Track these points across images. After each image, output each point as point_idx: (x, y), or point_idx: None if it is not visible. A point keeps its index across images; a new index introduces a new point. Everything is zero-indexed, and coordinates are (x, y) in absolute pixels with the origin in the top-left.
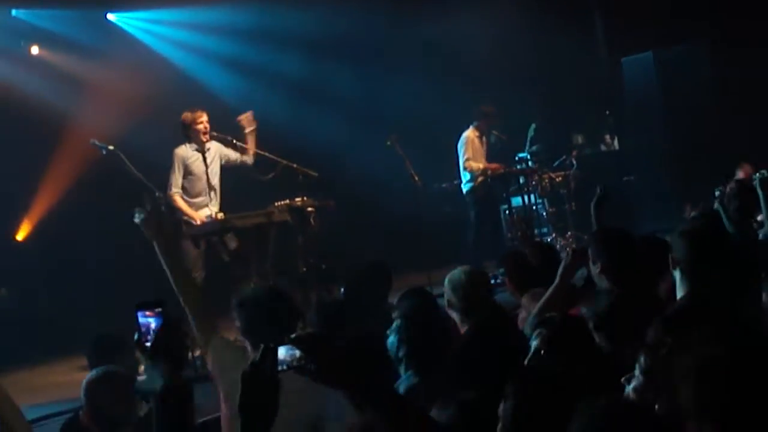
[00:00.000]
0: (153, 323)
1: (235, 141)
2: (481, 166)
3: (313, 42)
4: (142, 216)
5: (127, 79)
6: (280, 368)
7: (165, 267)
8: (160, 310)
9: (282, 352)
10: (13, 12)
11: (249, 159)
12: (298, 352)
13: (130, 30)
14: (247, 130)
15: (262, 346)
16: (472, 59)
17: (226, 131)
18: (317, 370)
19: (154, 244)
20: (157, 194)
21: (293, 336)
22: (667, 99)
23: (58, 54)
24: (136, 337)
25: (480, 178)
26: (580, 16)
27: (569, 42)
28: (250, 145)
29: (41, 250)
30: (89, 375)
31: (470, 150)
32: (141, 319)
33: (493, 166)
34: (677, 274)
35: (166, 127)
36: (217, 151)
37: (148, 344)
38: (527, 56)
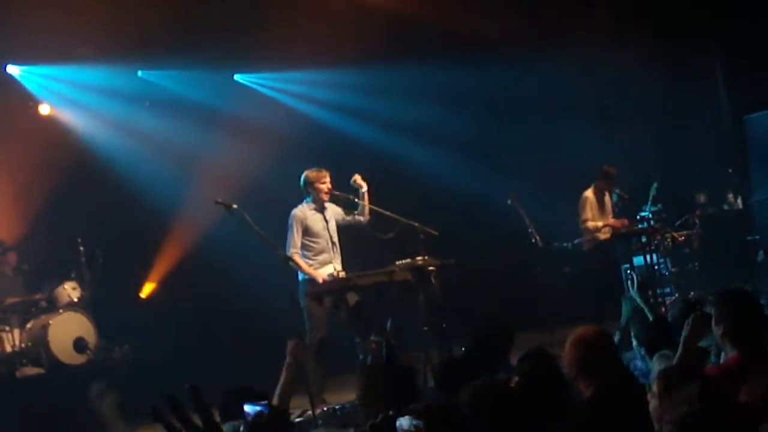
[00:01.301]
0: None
1: (356, 199)
2: (600, 224)
3: (445, 96)
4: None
5: (252, 138)
6: None
7: None
8: (265, 402)
9: (404, 423)
10: (140, 73)
11: (363, 218)
12: (418, 423)
13: (258, 88)
14: (363, 190)
15: (381, 415)
16: (592, 116)
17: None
18: None
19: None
20: (278, 252)
21: (412, 406)
22: None
23: (183, 114)
24: (241, 429)
25: (600, 236)
26: (702, 72)
27: (691, 98)
28: (366, 203)
29: (164, 307)
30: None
31: (589, 210)
32: (248, 409)
33: (616, 222)
34: None
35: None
36: (332, 209)
37: None
38: (648, 112)
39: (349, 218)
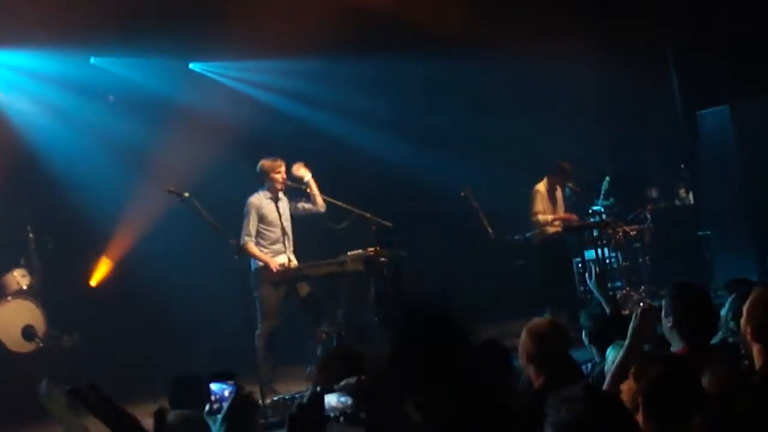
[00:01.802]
0: (226, 392)
1: (307, 190)
2: (550, 218)
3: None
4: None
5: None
6: (329, 415)
7: None
8: (233, 381)
9: (333, 399)
10: (92, 60)
11: (316, 207)
12: (349, 400)
13: (213, 77)
14: (306, 179)
15: (310, 389)
16: (545, 110)
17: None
18: (367, 419)
19: None
20: (231, 241)
21: (343, 383)
22: (744, 152)
23: (135, 102)
24: (207, 407)
25: (550, 230)
26: (655, 69)
27: (644, 93)
28: (315, 192)
29: (114, 296)
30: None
31: (539, 203)
32: (214, 388)
33: (567, 216)
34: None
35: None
36: (287, 199)
37: (220, 414)
38: (602, 108)
39: (308, 206)
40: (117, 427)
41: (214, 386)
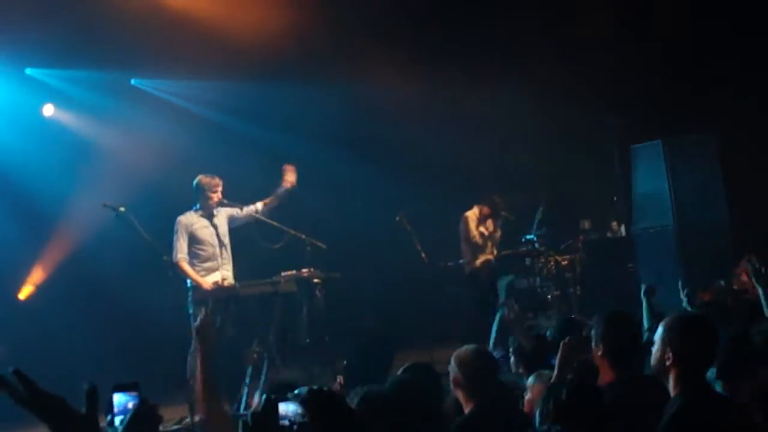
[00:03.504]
0: (130, 403)
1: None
2: (479, 244)
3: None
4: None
5: (141, 142)
6: (283, 422)
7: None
8: (136, 393)
9: (286, 408)
10: (27, 71)
11: (257, 207)
12: (300, 409)
13: (154, 93)
14: (287, 181)
15: (264, 396)
16: (483, 136)
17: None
18: (316, 428)
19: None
20: (164, 258)
21: (296, 391)
22: (676, 187)
23: (71, 115)
24: (108, 418)
25: (482, 258)
26: (590, 104)
27: (579, 128)
28: (271, 199)
29: (42, 310)
30: None
31: (470, 231)
32: (117, 399)
33: (486, 258)
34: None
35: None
36: (225, 213)
37: (120, 425)
38: (536, 139)
39: (245, 215)
40: (45, 412)
41: (117, 396)
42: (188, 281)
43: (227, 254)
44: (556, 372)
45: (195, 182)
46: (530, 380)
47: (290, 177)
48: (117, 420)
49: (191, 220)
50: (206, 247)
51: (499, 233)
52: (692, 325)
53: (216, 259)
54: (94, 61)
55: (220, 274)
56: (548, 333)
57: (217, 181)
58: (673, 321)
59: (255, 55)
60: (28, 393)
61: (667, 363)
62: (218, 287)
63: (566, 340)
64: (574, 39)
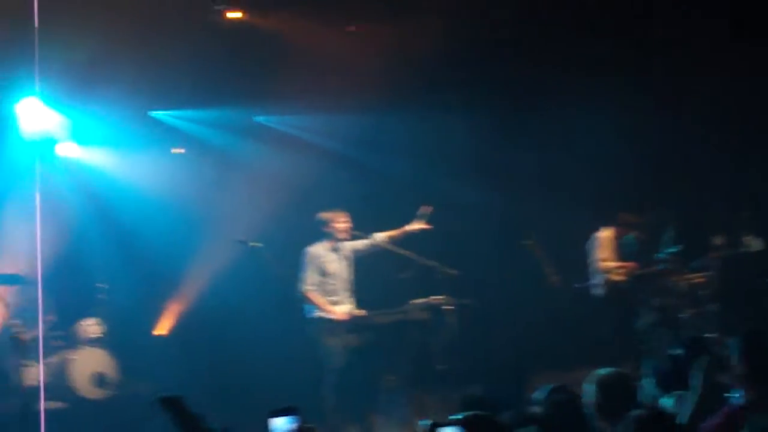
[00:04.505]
0: (288, 427)
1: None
2: (612, 265)
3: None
4: None
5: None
6: None
7: None
8: (295, 416)
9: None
10: (152, 114)
11: (376, 240)
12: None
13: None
14: (419, 220)
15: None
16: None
17: None
18: None
19: None
20: (297, 291)
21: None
22: None
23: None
24: None
25: (614, 278)
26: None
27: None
28: (399, 233)
29: (182, 344)
30: None
31: (604, 250)
32: (275, 424)
33: (629, 265)
34: None
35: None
36: (351, 246)
37: None
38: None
39: (365, 247)
40: None
41: (274, 421)
42: (311, 312)
43: (351, 287)
44: (697, 398)
45: (321, 217)
46: (667, 402)
47: (423, 222)
48: None
49: (320, 252)
50: (333, 281)
51: (627, 252)
52: None
53: (341, 293)
54: (218, 101)
55: (346, 306)
56: (679, 352)
57: (340, 213)
58: None
59: (377, 85)
60: (189, 421)
61: None
62: (351, 317)
63: (707, 362)
64: None
